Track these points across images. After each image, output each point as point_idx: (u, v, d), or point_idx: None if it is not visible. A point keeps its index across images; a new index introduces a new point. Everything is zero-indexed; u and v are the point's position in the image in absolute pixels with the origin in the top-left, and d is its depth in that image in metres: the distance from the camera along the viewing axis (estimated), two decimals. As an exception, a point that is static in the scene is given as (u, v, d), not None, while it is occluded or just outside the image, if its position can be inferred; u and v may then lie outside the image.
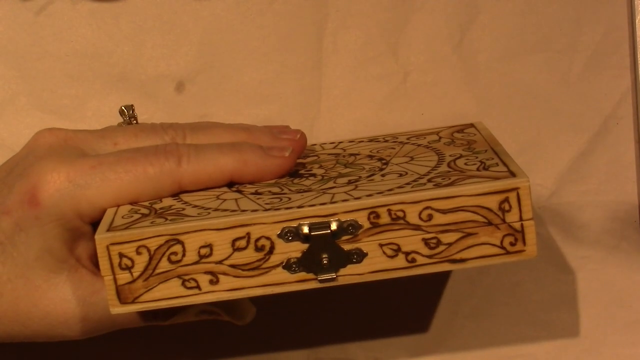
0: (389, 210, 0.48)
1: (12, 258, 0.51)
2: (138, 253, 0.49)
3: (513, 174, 0.49)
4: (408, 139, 0.59)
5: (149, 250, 0.49)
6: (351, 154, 0.57)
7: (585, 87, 0.62)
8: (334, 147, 0.59)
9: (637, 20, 0.61)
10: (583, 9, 0.61)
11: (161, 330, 0.62)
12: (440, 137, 0.58)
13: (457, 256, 0.49)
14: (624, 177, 0.63)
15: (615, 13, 0.61)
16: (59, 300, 0.52)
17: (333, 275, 0.49)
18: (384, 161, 0.55)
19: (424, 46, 0.61)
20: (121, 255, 0.49)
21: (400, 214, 0.48)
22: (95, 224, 0.51)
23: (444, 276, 0.64)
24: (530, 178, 0.48)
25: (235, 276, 0.49)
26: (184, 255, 0.49)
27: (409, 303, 0.64)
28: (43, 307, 0.52)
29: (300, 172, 0.55)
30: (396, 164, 0.54)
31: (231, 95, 0.61)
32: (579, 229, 0.63)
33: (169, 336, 0.63)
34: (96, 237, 0.49)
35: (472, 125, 0.60)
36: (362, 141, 0.60)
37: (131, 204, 0.52)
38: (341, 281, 0.49)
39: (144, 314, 0.53)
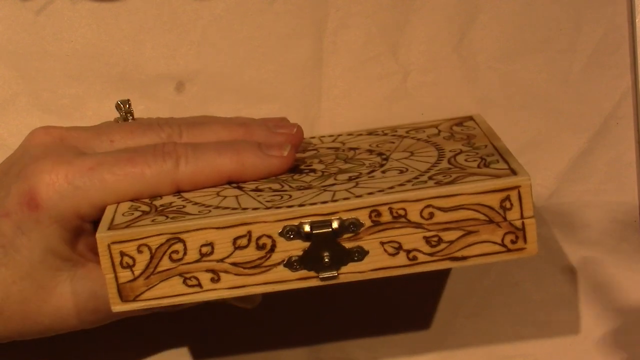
0: (390, 209, 0.48)
1: (15, 261, 0.51)
2: (139, 252, 0.49)
3: (514, 172, 0.49)
4: (407, 132, 0.59)
5: (150, 249, 0.49)
6: (350, 148, 0.58)
7: (585, 87, 0.62)
8: (333, 141, 0.59)
9: (637, 20, 0.61)
10: (583, 9, 0.61)
11: (164, 326, 0.62)
12: (439, 131, 0.58)
13: (459, 254, 0.49)
14: (624, 177, 0.63)
15: (615, 13, 0.61)
16: (68, 294, 0.52)
17: (334, 273, 0.49)
18: (383, 156, 0.55)
19: (424, 46, 0.61)
20: (122, 254, 0.49)
21: (401, 212, 0.48)
22: (95, 222, 0.51)
23: (444, 276, 0.64)
24: (530, 178, 0.48)
25: (236, 274, 0.49)
26: (185, 253, 0.49)
27: (409, 303, 0.64)
28: (53, 303, 0.52)
29: (300, 167, 0.55)
30: (396, 160, 0.54)
31: (231, 95, 0.61)
32: (579, 229, 0.63)
33: (172, 333, 0.63)
34: (97, 235, 0.49)
35: (471, 118, 0.60)
36: (361, 134, 0.60)
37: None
38: (342, 279, 0.49)
39: None
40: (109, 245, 0.49)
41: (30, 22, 0.60)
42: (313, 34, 0.61)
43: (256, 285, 0.49)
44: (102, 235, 0.49)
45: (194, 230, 0.49)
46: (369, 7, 0.61)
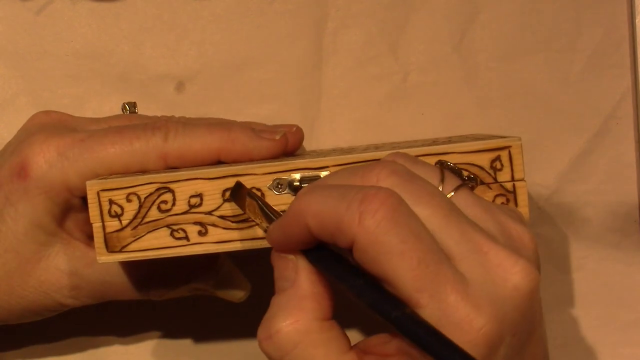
0: None
1: (1, 232, 0.52)
2: (128, 200, 0.49)
3: (504, 137, 0.49)
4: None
5: (139, 198, 0.48)
6: (349, 148, 0.58)
7: (585, 87, 0.62)
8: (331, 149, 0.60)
9: (637, 20, 0.61)
10: (583, 9, 0.61)
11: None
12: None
13: None
14: (624, 177, 0.63)
15: (615, 13, 0.61)
16: (52, 268, 0.52)
17: None
18: (379, 146, 0.55)
19: (424, 46, 0.61)
20: (111, 202, 0.49)
21: None
22: (85, 198, 0.51)
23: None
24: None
25: (224, 228, 0.49)
26: (174, 204, 0.49)
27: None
28: (37, 276, 0.52)
29: (296, 154, 0.55)
30: (392, 147, 0.54)
31: (231, 95, 0.61)
32: (579, 228, 0.63)
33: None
34: (87, 182, 0.49)
35: None
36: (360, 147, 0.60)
37: None
38: None
39: (137, 287, 0.53)
40: (98, 193, 0.48)
41: (30, 22, 0.60)
42: (313, 34, 0.61)
43: (243, 240, 0.49)
44: (93, 182, 0.49)
45: (183, 180, 0.48)
46: (369, 7, 0.61)
